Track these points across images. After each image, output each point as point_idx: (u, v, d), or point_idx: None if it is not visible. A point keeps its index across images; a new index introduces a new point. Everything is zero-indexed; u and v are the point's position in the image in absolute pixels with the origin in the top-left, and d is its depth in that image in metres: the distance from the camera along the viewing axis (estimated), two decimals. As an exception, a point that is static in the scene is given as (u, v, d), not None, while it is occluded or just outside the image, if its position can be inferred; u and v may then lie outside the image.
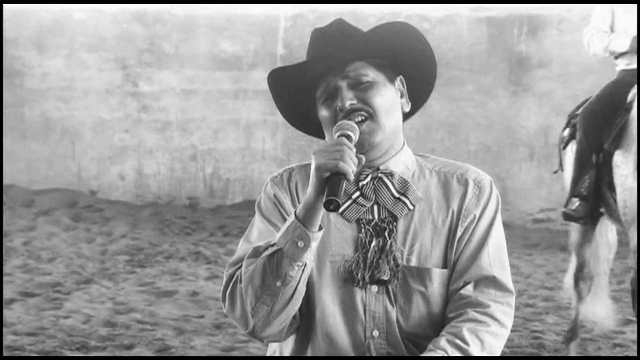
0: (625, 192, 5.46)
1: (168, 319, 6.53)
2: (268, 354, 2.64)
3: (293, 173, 2.61)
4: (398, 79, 2.59)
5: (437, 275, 2.52)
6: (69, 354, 5.82)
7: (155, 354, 5.85)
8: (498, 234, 2.56)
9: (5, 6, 10.05)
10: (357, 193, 2.54)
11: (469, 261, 2.52)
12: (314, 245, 2.41)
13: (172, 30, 10.15)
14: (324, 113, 2.54)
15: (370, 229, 2.53)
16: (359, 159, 2.41)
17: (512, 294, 2.53)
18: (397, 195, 2.54)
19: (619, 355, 6.06)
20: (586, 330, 6.33)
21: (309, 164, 2.42)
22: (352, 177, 2.37)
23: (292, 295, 2.43)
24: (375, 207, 2.54)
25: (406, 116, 2.63)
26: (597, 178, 5.69)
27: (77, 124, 10.29)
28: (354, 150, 2.40)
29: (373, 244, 2.51)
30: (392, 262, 2.50)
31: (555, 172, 6.32)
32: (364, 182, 2.54)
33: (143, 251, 8.45)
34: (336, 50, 2.51)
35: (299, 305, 2.47)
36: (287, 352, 2.57)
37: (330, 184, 2.35)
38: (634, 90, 5.54)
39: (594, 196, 5.71)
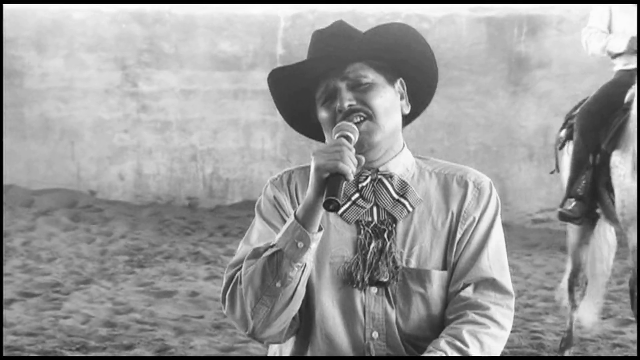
0: (623, 192, 5.46)
1: (167, 319, 6.53)
2: (269, 355, 2.65)
3: (293, 175, 2.61)
4: (398, 81, 2.59)
5: (437, 277, 2.52)
6: (68, 354, 5.82)
7: (154, 354, 5.86)
8: (498, 236, 2.57)
9: (5, 6, 10.05)
10: (357, 195, 2.54)
11: (469, 263, 2.52)
12: (313, 246, 2.41)
13: (171, 30, 10.16)
14: (323, 114, 2.54)
15: (370, 231, 2.53)
16: (359, 160, 2.42)
17: (512, 297, 2.54)
18: (396, 197, 2.54)
19: (619, 355, 6.07)
20: (586, 330, 6.34)
21: (309, 166, 2.43)
22: (351, 177, 2.38)
23: (291, 296, 2.43)
24: (375, 209, 2.55)
25: (408, 119, 2.62)
26: (593, 178, 5.69)
27: (76, 124, 10.29)
28: (354, 151, 2.40)
29: (372, 245, 2.51)
30: (391, 263, 2.50)
31: (552, 172, 6.33)
32: (364, 184, 2.54)
33: (142, 251, 8.45)
34: (336, 50, 2.52)
35: (298, 307, 2.47)
36: (286, 354, 2.57)
37: (330, 184, 2.35)
38: (632, 91, 5.54)
39: (590, 197, 5.71)
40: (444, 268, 2.53)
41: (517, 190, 9.63)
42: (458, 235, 2.53)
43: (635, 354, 5.94)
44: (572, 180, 5.76)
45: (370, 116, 2.50)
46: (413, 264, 2.52)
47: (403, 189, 2.55)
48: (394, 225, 2.53)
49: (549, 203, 9.38)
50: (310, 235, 2.39)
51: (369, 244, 2.52)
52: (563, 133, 6.01)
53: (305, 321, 2.52)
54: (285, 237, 2.40)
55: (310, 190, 2.39)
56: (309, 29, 9.35)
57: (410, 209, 2.54)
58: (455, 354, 2.42)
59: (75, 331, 6.22)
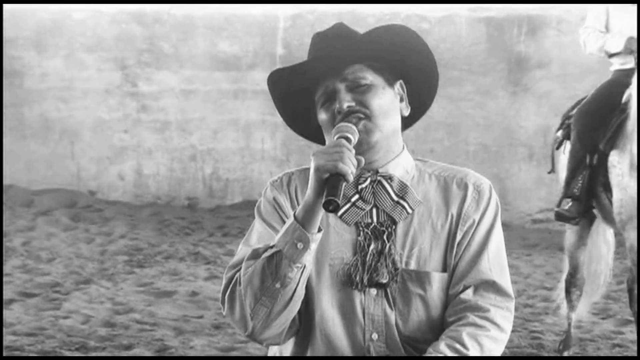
0: (621, 191, 5.47)
1: (167, 319, 6.53)
2: (269, 355, 2.65)
3: (293, 177, 2.61)
4: (398, 83, 2.59)
5: (437, 279, 2.52)
6: (68, 354, 5.82)
7: (154, 354, 5.86)
8: (498, 239, 2.57)
9: (5, 6, 10.05)
10: (356, 196, 2.54)
11: (469, 265, 2.52)
12: (313, 246, 2.41)
13: (171, 30, 10.16)
14: (322, 116, 2.55)
15: (369, 232, 2.53)
16: (359, 161, 2.42)
17: (512, 299, 2.54)
18: (396, 198, 2.54)
19: (619, 355, 6.07)
20: (586, 330, 6.34)
21: (309, 168, 2.43)
22: (351, 178, 2.38)
23: (291, 298, 2.43)
24: (374, 211, 2.54)
25: (408, 123, 2.63)
26: (590, 179, 5.70)
27: (76, 124, 10.30)
28: (353, 152, 2.40)
29: (372, 247, 2.51)
30: (390, 265, 2.50)
31: (549, 172, 6.33)
32: (363, 186, 2.54)
33: (142, 251, 8.46)
34: (335, 51, 2.52)
35: (298, 308, 2.47)
36: (286, 355, 2.57)
37: (330, 184, 2.35)
38: (629, 91, 5.55)
39: (586, 197, 5.72)
40: (444, 270, 2.53)
41: (517, 190, 9.63)
42: (458, 238, 2.53)
43: (635, 354, 5.94)
44: (569, 180, 5.77)
45: (368, 117, 2.50)
46: (413, 266, 2.51)
47: (403, 191, 2.55)
48: (393, 227, 2.53)
49: (548, 203, 9.37)
50: (310, 235, 2.39)
51: (369, 245, 2.51)
52: (560, 133, 6.02)
53: (305, 322, 2.52)
54: (285, 238, 2.40)
55: (309, 191, 2.39)
56: (308, 29, 9.35)
57: (409, 210, 2.54)
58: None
59: (75, 331, 6.22)
